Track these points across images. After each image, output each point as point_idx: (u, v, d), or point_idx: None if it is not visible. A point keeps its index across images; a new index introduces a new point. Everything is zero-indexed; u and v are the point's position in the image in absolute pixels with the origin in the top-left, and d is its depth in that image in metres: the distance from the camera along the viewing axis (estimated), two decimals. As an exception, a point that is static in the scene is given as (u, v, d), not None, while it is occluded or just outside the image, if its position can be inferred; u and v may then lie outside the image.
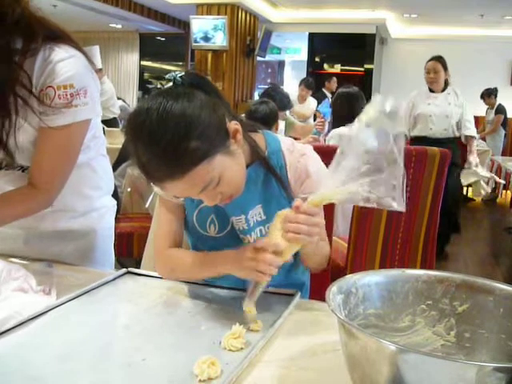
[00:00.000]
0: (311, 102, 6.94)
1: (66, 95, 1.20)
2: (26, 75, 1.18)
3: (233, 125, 1.03)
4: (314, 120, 6.93)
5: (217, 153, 0.98)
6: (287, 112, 4.38)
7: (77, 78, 1.21)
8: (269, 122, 3.08)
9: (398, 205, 0.88)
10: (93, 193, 1.44)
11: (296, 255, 1.27)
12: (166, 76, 1.06)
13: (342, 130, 3.22)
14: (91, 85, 1.26)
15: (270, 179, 1.17)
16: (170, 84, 1.06)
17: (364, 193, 0.88)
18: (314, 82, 7.28)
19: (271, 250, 0.97)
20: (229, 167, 1.01)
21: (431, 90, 4.39)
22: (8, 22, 1.15)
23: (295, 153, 1.19)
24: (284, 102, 4.00)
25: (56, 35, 1.23)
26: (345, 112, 3.33)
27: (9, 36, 1.16)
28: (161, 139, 0.92)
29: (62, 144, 1.26)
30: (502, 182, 5.24)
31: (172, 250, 1.20)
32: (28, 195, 1.28)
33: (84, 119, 1.26)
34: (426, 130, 4.32)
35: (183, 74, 1.05)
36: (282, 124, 4.27)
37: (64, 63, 1.20)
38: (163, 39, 12.43)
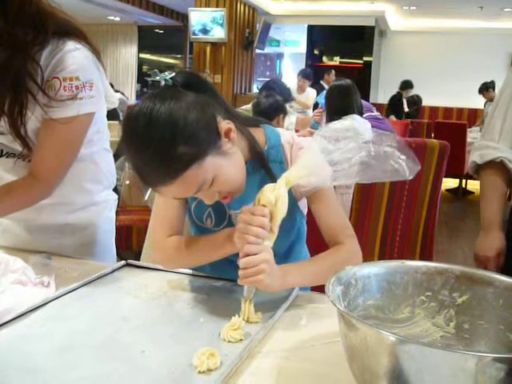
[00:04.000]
0: (310, 93, 6.92)
1: (72, 87, 1.20)
2: (34, 66, 1.18)
3: (225, 124, 1.02)
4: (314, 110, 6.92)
5: (207, 155, 0.97)
6: (287, 105, 4.38)
7: (83, 71, 1.22)
8: (270, 114, 3.10)
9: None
10: (93, 187, 1.44)
11: (294, 247, 1.27)
12: (157, 77, 1.05)
13: (337, 123, 3.21)
14: (97, 78, 1.26)
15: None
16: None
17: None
18: (313, 74, 7.26)
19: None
20: (222, 167, 1.00)
21: None
22: (26, 13, 1.16)
23: (294, 146, 1.18)
24: (285, 95, 3.99)
25: (65, 30, 1.23)
26: (338, 105, 3.33)
27: (26, 31, 1.17)
28: (148, 146, 0.93)
29: (65, 136, 1.26)
30: None
31: (170, 239, 1.18)
32: (28, 185, 1.28)
33: (88, 112, 1.26)
34: None
35: (173, 74, 1.03)
36: (293, 117, 4.27)
37: (70, 55, 1.21)
38: (162, 32, 12.40)
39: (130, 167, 0.99)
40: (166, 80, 1.02)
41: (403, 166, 0.92)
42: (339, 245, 1.15)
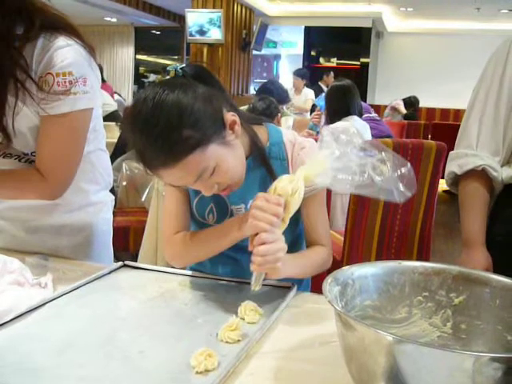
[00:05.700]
0: (308, 94, 6.91)
1: (65, 82, 1.20)
2: (24, 60, 1.18)
3: (230, 116, 1.04)
4: (311, 113, 6.92)
5: (211, 142, 0.98)
6: (284, 106, 4.38)
7: (75, 66, 1.21)
8: (268, 115, 3.11)
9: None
10: (89, 187, 1.43)
11: (296, 244, 1.27)
12: (168, 67, 1.07)
13: (338, 125, 3.22)
14: (90, 74, 1.26)
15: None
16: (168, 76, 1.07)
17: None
18: (309, 74, 7.25)
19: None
20: (225, 157, 1.02)
21: None
22: (8, 6, 1.15)
23: (296, 146, 1.19)
24: (282, 96, 4.00)
25: (56, 26, 1.23)
26: (339, 106, 3.33)
27: (10, 21, 1.16)
28: (154, 128, 0.94)
29: (63, 133, 1.25)
30: None
31: (179, 234, 1.20)
32: (35, 179, 1.27)
33: (84, 108, 1.25)
34: None
35: (184, 65, 1.07)
36: (290, 120, 4.28)
37: (62, 51, 1.20)
38: (158, 33, 12.39)
39: (134, 151, 0.99)
40: (176, 70, 1.05)
41: (399, 190, 0.92)
42: (320, 246, 1.20)
